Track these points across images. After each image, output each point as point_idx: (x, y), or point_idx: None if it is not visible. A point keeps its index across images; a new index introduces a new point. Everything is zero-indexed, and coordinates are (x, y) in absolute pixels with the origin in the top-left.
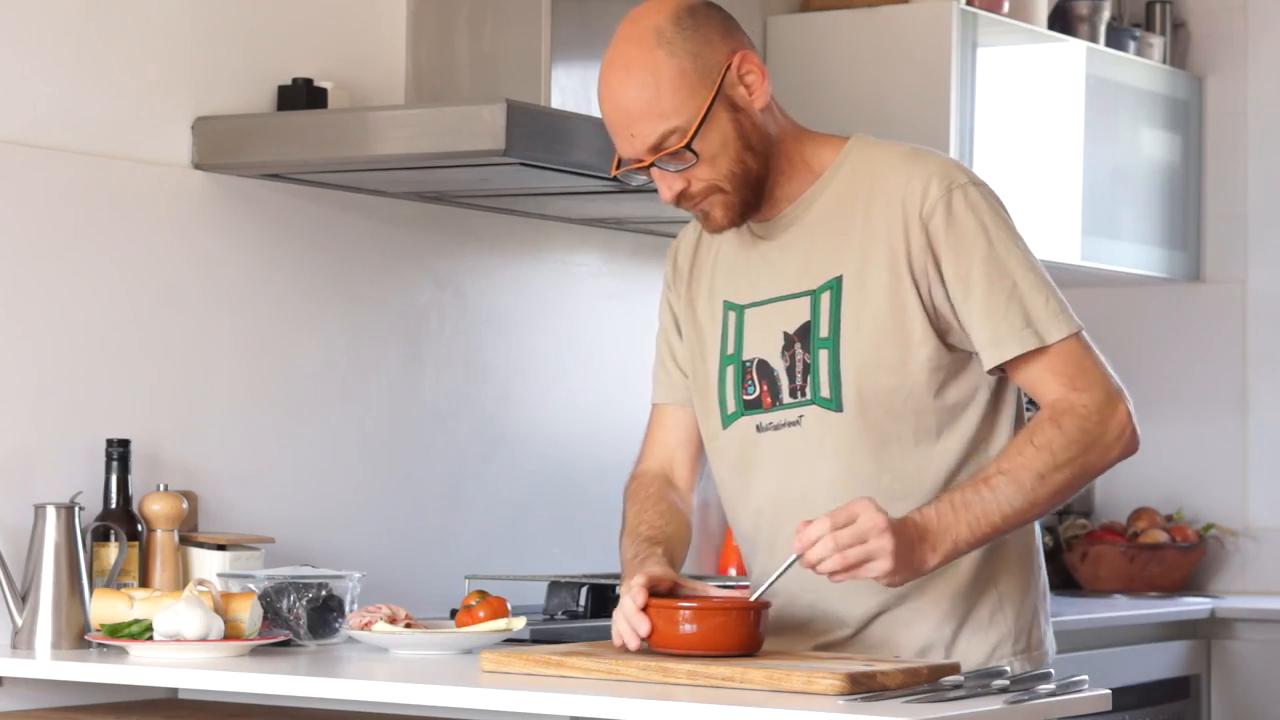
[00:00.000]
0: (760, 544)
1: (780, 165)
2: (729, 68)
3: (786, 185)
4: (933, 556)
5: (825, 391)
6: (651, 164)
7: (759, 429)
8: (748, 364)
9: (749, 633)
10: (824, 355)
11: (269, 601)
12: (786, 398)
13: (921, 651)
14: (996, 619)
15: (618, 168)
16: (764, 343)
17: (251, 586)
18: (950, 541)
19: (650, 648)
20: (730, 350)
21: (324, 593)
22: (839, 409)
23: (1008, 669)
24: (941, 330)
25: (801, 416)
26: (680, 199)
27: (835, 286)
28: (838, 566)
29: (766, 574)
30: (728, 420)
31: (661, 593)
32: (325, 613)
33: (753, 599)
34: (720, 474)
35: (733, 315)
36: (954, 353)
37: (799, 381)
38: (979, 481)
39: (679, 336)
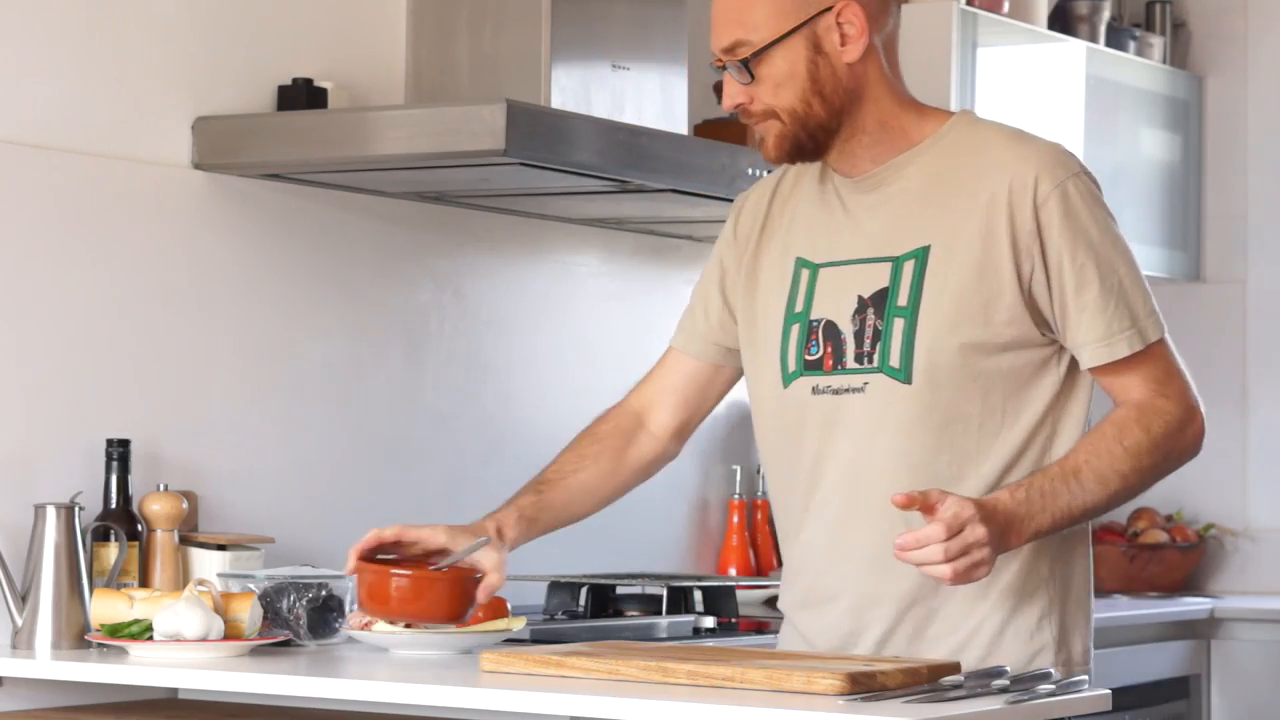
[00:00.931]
0: (805, 514)
1: (865, 125)
2: (830, 9)
3: (874, 147)
4: (1015, 541)
5: (895, 361)
6: (724, 66)
7: (814, 391)
8: (814, 323)
9: (442, 603)
10: (899, 324)
11: (269, 601)
12: (851, 362)
13: (960, 647)
14: (1044, 624)
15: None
16: (835, 304)
17: (251, 586)
18: (1033, 529)
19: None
20: (799, 308)
21: (324, 593)
22: (907, 380)
23: (1007, 669)
24: (1033, 317)
25: (867, 384)
26: (740, 112)
27: (921, 256)
28: (947, 575)
29: (800, 560)
30: (789, 379)
31: (387, 544)
32: (325, 613)
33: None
34: (769, 437)
35: (805, 273)
36: (1041, 340)
37: (867, 348)
38: (1068, 473)
39: (719, 293)
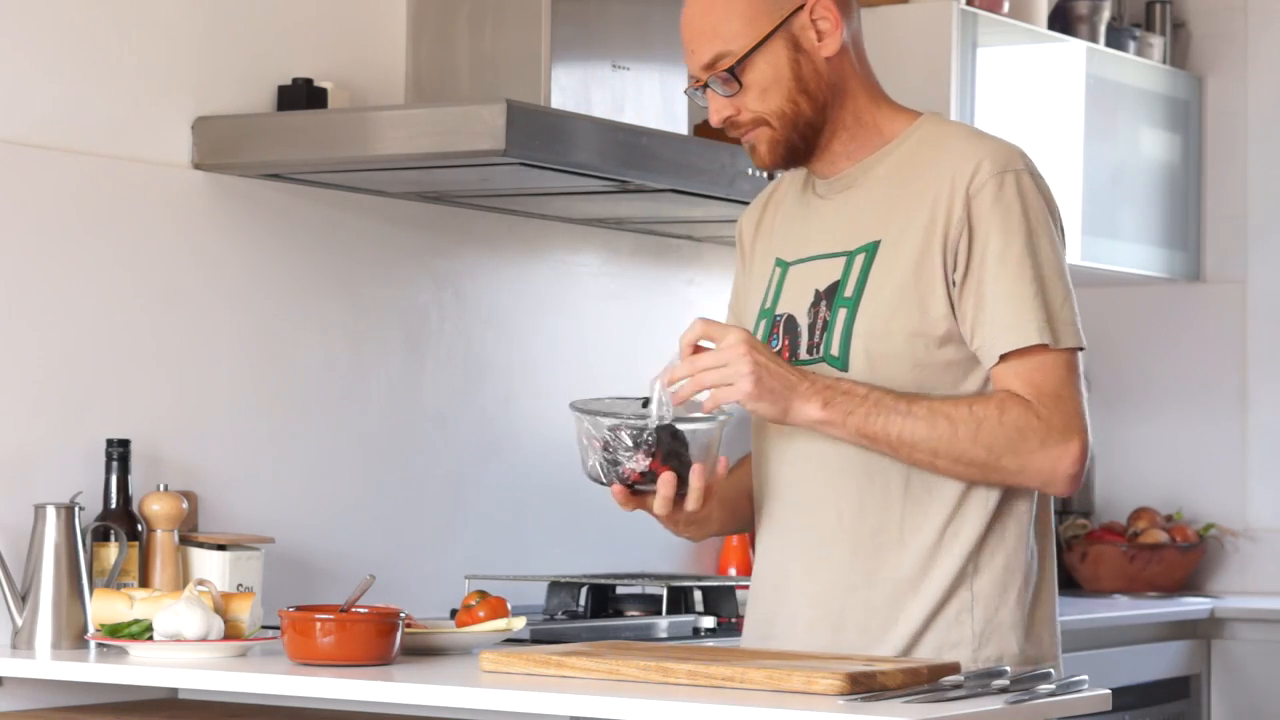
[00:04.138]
0: (761, 499)
1: (845, 121)
2: (802, 8)
3: (850, 144)
4: (816, 412)
5: (835, 350)
6: (705, 85)
7: None
8: (778, 318)
9: (366, 645)
10: (842, 314)
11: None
12: (803, 354)
13: (877, 638)
14: (962, 618)
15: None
16: (797, 299)
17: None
18: (842, 414)
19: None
20: (768, 305)
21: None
22: (845, 368)
23: (1007, 669)
24: (955, 313)
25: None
26: (729, 125)
27: (871, 250)
28: (692, 385)
29: (764, 549)
30: None
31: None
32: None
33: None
34: (751, 432)
35: (778, 271)
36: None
37: (816, 338)
38: (911, 398)
39: (733, 313)
